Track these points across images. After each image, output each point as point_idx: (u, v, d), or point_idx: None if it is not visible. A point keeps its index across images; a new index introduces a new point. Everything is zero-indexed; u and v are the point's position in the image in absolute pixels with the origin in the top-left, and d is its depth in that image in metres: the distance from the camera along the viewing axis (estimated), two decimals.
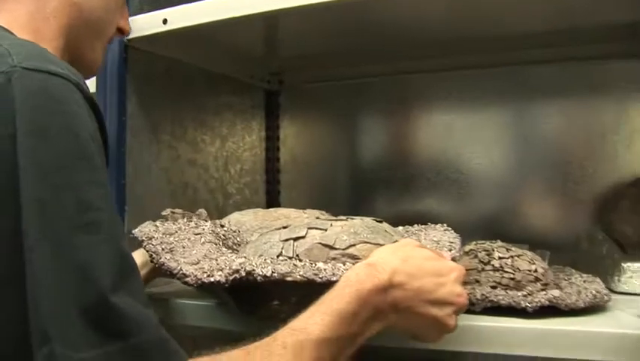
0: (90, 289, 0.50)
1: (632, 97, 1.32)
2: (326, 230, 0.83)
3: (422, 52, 1.43)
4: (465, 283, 0.90)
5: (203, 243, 0.91)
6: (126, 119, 1.18)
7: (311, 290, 0.68)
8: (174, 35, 1.12)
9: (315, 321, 0.62)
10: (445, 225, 1.03)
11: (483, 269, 0.91)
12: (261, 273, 0.74)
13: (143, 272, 0.94)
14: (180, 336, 0.60)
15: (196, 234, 0.94)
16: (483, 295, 0.85)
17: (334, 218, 0.90)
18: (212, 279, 0.76)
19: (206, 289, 0.83)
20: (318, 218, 0.95)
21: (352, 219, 0.88)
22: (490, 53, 1.40)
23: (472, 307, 0.85)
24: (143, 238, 0.91)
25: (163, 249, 0.88)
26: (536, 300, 0.82)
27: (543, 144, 1.39)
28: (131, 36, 1.13)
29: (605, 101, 1.34)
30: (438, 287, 0.71)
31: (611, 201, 1.23)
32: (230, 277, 0.75)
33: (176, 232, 0.94)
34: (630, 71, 1.32)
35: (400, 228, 1.03)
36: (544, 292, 0.85)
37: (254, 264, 0.75)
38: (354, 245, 0.81)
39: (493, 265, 0.91)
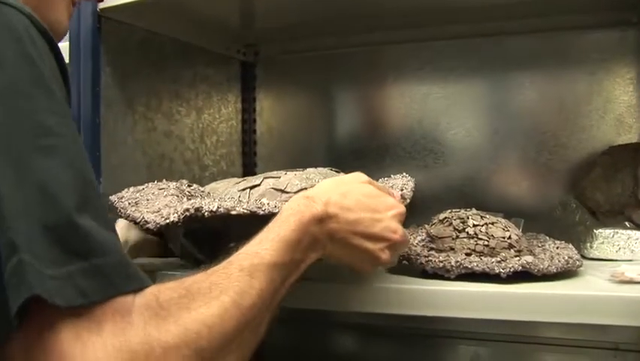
0: (53, 209, 0.50)
1: (605, 67, 1.33)
2: (280, 178, 0.90)
3: (398, 23, 1.43)
4: (439, 251, 0.91)
5: (166, 196, 0.94)
6: (100, 91, 1.17)
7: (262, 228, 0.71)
8: (148, 6, 1.11)
9: (265, 247, 0.64)
10: (405, 174, 1.05)
11: (457, 237, 0.92)
12: (208, 209, 0.78)
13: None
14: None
15: (160, 189, 0.98)
16: (457, 262, 0.86)
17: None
18: (167, 221, 0.80)
19: (172, 240, 0.90)
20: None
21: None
22: (465, 24, 1.40)
23: (447, 274, 0.86)
24: (115, 199, 0.94)
25: (129, 203, 0.92)
26: (510, 266, 0.84)
27: (517, 114, 1.40)
28: (103, 5, 1.11)
29: (579, 71, 1.35)
30: (373, 222, 0.75)
31: (584, 170, 1.24)
32: (182, 216, 0.79)
33: (143, 189, 0.98)
34: (603, 42, 1.33)
35: None
36: (517, 258, 0.86)
37: (202, 203, 0.80)
38: (305, 188, 0.87)
39: (467, 233, 0.92)
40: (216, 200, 0.83)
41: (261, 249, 0.64)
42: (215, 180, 1.21)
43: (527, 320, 0.77)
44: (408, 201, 0.89)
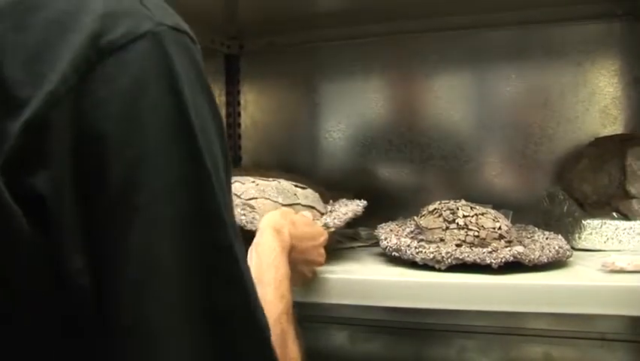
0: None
1: (591, 59, 1.34)
2: (244, 184, 0.97)
3: (382, 16, 1.42)
4: (429, 242, 0.91)
5: None
6: None
7: None
8: None
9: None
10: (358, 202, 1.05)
11: (447, 228, 0.92)
12: None
13: None
14: None
15: None
16: (448, 252, 0.86)
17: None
18: None
19: None
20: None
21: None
22: (450, 16, 1.40)
23: (438, 265, 0.86)
24: None
25: None
26: (501, 256, 0.83)
27: (504, 105, 1.40)
28: None
29: (564, 64, 1.35)
30: (312, 249, 0.83)
31: (571, 161, 1.25)
32: None
33: None
34: (588, 34, 1.34)
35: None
36: (508, 249, 0.86)
37: None
38: (255, 198, 0.94)
39: (457, 224, 0.91)
40: None
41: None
42: None
43: (521, 311, 0.77)
44: (332, 229, 0.93)
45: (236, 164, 1.64)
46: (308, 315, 1.50)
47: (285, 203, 0.94)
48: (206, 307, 0.46)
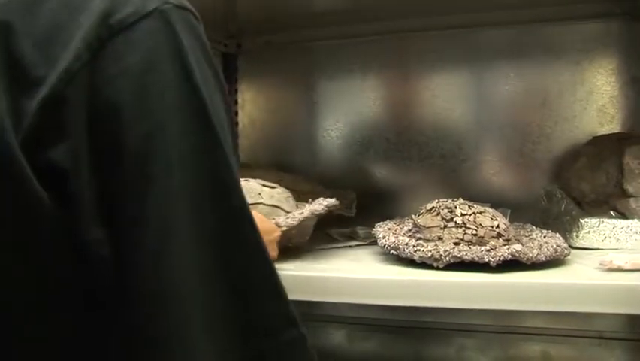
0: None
1: (589, 58, 1.34)
2: None
3: (380, 14, 1.42)
4: (427, 241, 0.91)
5: None
6: None
7: None
8: None
9: None
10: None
11: (445, 226, 0.92)
12: None
13: None
14: None
15: None
16: (446, 251, 0.86)
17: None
18: None
19: None
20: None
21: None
22: (448, 15, 1.39)
23: (436, 264, 0.86)
24: None
25: None
26: (499, 254, 0.83)
27: (502, 104, 1.40)
28: None
29: (562, 62, 1.35)
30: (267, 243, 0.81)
31: (569, 160, 1.25)
32: None
33: None
34: (587, 33, 1.34)
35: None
36: (506, 247, 0.86)
37: None
38: None
39: (455, 222, 0.91)
40: None
41: None
42: None
43: (519, 309, 0.77)
44: (284, 228, 0.92)
45: None
46: (306, 314, 1.50)
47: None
48: (225, 270, 0.47)
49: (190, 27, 0.50)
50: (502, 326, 1.35)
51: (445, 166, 1.43)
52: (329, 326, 1.49)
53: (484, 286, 0.80)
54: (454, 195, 1.02)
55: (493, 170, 1.40)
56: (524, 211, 1.20)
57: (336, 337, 1.50)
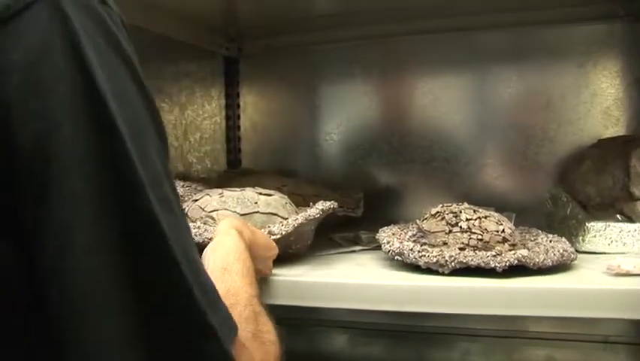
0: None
1: (592, 60, 1.33)
2: (211, 196, 1.00)
3: (381, 17, 1.42)
4: (432, 246, 0.90)
5: None
6: None
7: None
8: (130, 0, 1.08)
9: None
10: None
11: (450, 231, 0.91)
12: None
13: None
14: None
15: None
16: (452, 256, 0.85)
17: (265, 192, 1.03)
18: None
19: None
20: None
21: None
22: (451, 17, 1.39)
23: (442, 269, 0.85)
24: None
25: None
26: (505, 260, 0.82)
27: (505, 107, 1.39)
28: None
29: (566, 65, 1.35)
30: (264, 260, 0.84)
31: (574, 163, 1.24)
32: None
33: None
34: (590, 35, 1.33)
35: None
36: (512, 252, 0.85)
37: None
38: (217, 210, 0.97)
39: (460, 227, 0.90)
40: None
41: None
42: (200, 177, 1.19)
43: (526, 315, 0.76)
44: (278, 236, 0.91)
45: (235, 167, 1.63)
46: (309, 319, 1.50)
47: (242, 213, 0.96)
48: (133, 276, 0.44)
49: (88, 10, 0.46)
50: (506, 331, 1.34)
51: (447, 170, 1.42)
52: (332, 331, 1.48)
53: (490, 292, 0.79)
54: (458, 199, 1.01)
55: (497, 173, 1.39)
56: (528, 215, 1.19)
57: (339, 341, 1.50)
